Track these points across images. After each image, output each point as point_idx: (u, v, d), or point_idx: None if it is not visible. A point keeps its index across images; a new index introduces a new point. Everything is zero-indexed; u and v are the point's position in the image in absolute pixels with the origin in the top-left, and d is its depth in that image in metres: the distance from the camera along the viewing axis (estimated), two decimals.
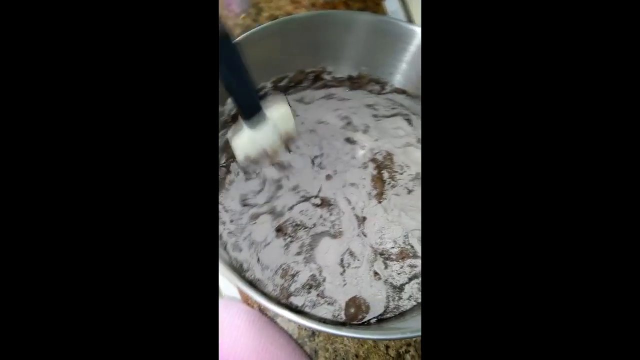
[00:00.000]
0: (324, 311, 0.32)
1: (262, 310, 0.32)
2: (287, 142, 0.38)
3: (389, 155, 0.40)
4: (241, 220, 0.35)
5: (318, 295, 0.33)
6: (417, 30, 0.36)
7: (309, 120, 0.41)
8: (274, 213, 0.35)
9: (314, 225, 0.36)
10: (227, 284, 0.35)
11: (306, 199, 0.37)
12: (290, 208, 0.36)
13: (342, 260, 0.34)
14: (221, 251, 0.33)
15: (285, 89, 0.43)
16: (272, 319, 0.32)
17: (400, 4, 0.51)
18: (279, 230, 0.35)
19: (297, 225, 0.35)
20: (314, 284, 0.33)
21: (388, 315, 0.33)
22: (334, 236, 0.36)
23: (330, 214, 0.36)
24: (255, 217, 0.35)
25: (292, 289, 0.32)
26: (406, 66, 0.40)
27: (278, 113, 0.33)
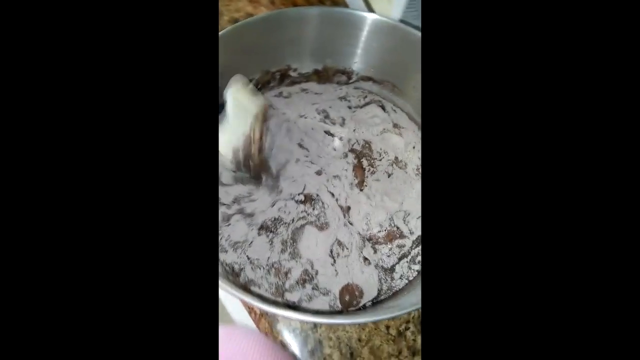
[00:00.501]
0: (321, 302, 0.33)
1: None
2: (265, 115, 0.36)
3: (367, 144, 0.41)
4: None
5: (313, 288, 0.33)
6: (366, 15, 0.37)
7: (290, 114, 0.42)
8: (244, 213, 0.36)
9: (293, 220, 0.36)
10: (237, 307, 0.35)
11: (290, 198, 0.37)
12: (264, 210, 0.36)
13: (331, 251, 0.35)
14: None
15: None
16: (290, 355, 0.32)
17: None
18: (261, 227, 0.35)
19: (275, 220, 0.36)
20: (307, 278, 0.34)
21: (382, 297, 0.35)
22: (320, 228, 0.36)
23: (314, 209, 0.37)
24: (225, 217, 0.35)
25: (286, 285, 0.33)
26: (362, 52, 0.40)
27: (238, 95, 0.32)
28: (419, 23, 0.47)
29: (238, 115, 0.33)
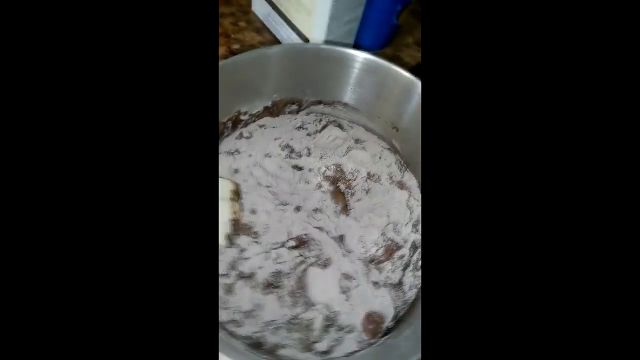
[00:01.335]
0: (349, 342, 0.33)
1: None
2: (238, 194, 0.38)
3: (338, 167, 0.41)
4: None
5: (337, 330, 0.33)
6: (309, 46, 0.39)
7: (256, 154, 0.40)
8: (244, 277, 0.35)
9: (291, 269, 0.35)
10: None
11: (280, 246, 0.36)
12: (261, 266, 0.35)
13: (341, 287, 0.35)
14: (225, 337, 0.32)
15: None
16: None
17: (272, 7, 0.50)
18: (265, 286, 0.34)
19: (275, 274, 0.35)
20: (330, 323, 0.33)
21: (400, 313, 0.36)
22: (323, 266, 0.36)
23: (310, 250, 0.37)
24: (228, 288, 0.34)
25: (313, 337, 0.33)
26: (305, 80, 0.41)
27: None
28: (349, 40, 0.48)
29: (220, 207, 0.34)
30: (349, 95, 0.43)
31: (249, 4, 0.56)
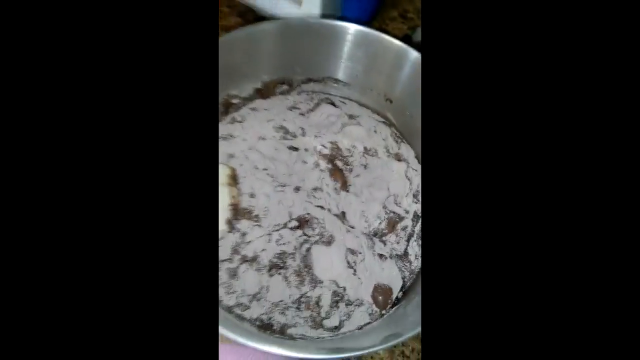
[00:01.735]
0: (359, 315, 0.33)
1: None
2: (234, 178, 0.37)
3: (334, 145, 0.41)
4: (221, 279, 0.33)
5: (346, 304, 0.33)
6: (274, 20, 0.38)
7: (250, 138, 0.39)
8: (248, 260, 0.34)
9: (295, 248, 0.35)
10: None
11: (282, 227, 0.36)
12: (264, 249, 0.35)
13: (348, 262, 0.35)
14: (235, 320, 0.32)
15: None
16: None
17: None
18: (271, 268, 0.34)
19: (279, 255, 0.35)
20: (338, 298, 0.33)
21: (408, 282, 0.36)
22: (327, 243, 0.36)
23: (313, 229, 0.36)
24: (232, 272, 0.33)
25: (322, 314, 0.33)
26: (292, 57, 0.40)
27: None
28: (336, 12, 0.47)
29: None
30: (341, 71, 0.42)
31: None
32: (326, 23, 0.38)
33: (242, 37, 0.36)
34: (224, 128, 0.40)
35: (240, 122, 0.41)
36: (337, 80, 0.43)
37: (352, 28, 0.38)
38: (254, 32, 0.37)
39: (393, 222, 0.38)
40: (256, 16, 0.52)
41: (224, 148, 0.39)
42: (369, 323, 0.33)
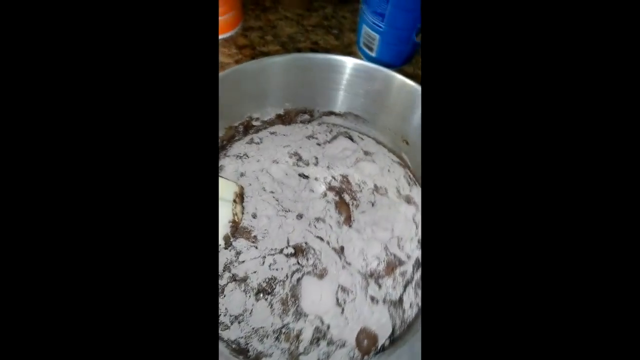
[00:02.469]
0: (339, 358, 0.31)
1: None
2: (241, 197, 0.38)
3: (344, 178, 0.41)
4: None
5: (328, 344, 0.32)
6: (313, 56, 0.39)
7: (264, 160, 0.40)
8: (237, 280, 0.34)
9: (287, 276, 0.34)
10: None
11: (277, 252, 0.36)
12: (255, 271, 0.34)
13: (337, 300, 0.34)
14: None
15: (221, 148, 0.41)
16: None
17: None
18: (258, 292, 0.33)
19: (270, 280, 0.34)
20: (320, 335, 0.32)
21: (398, 332, 0.34)
22: (319, 276, 0.35)
23: (307, 259, 0.36)
24: (220, 290, 0.33)
25: (300, 349, 0.31)
26: (318, 91, 0.41)
27: None
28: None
29: (220, 208, 0.35)
30: (360, 107, 0.43)
31: (277, 19, 0.59)
32: (332, 58, 0.39)
33: (264, 65, 0.38)
34: (241, 147, 0.42)
35: (257, 143, 0.42)
36: (357, 117, 0.44)
37: (351, 62, 0.38)
38: (273, 62, 0.38)
39: (392, 266, 0.37)
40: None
41: (236, 166, 0.40)
42: None
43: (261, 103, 0.41)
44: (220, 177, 0.39)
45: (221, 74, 0.34)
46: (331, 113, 0.44)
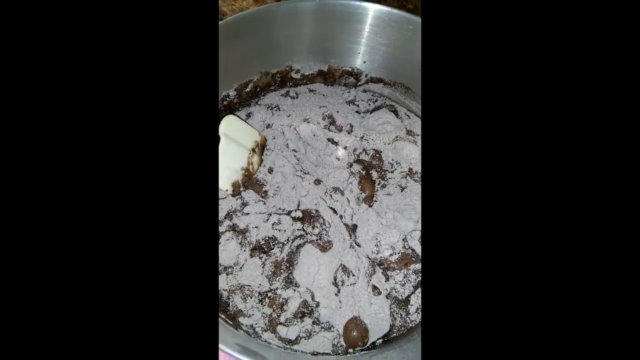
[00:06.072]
0: (321, 340, 0.28)
1: None
2: (262, 147, 0.36)
3: (377, 154, 0.36)
4: None
5: (313, 322, 0.29)
6: (367, 5, 0.33)
7: (295, 116, 0.37)
8: (236, 230, 0.31)
9: (288, 239, 0.31)
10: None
11: (284, 213, 0.33)
12: (257, 226, 0.32)
13: (335, 278, 0.30)
14: None
15: (253, 95, 0.39)
16: None
17: None
18: (254, 248, 0.31)
19: (269, 239, 0.31)
20: (306, 311, 0.29)
21: (394, 334, 0.29)
22: (322, 248, 0.31)
23: (313, 227, 0.32)
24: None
25: (282, 319, 0.28)
26: (367, 49, 0.36)
27: (232, 133, 0.32)
28: None
29: (235, 152, 0.33)
30: (415, 78, 0.37)
31: None
32: (403, 15, 0.33)
33: (310, 7, 0.33)
34: (274, 98, 0.39)
35: (292, 97, 0.39)
36: (407, 90, 0.39)
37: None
38: (328, 5, 0.33)
39: (407, 260, 0.32)
40: None
41: (264, 117, 0.37)
42: (327, 354, 0.27)
43: (302, 53, 0.37)
44: (246, 122, 0.36)
45: (252, 10, 0.31)
46: (380, 80, 0.39)
